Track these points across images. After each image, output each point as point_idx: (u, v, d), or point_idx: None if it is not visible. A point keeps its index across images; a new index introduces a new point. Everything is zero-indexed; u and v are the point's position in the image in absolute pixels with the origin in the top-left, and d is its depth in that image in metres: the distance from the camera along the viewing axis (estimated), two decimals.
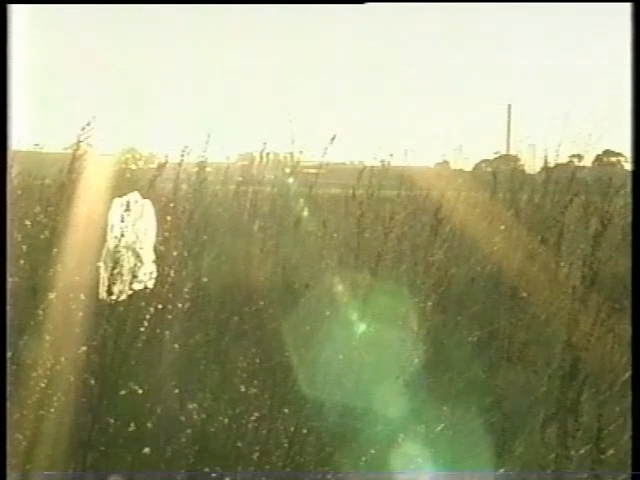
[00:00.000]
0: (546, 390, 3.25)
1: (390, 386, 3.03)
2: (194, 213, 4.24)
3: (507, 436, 3.00)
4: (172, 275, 2.99)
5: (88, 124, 3.65)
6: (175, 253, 3.06)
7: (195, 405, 2.80)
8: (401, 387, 3.05)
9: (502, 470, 2.90)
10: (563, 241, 4.31)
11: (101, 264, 2.78)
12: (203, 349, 3.33)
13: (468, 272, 4.50)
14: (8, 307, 2.55)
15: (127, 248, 2.79)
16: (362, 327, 3.17)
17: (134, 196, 2.85)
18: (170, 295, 2.97)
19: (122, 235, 2.78)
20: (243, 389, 2.87)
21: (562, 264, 4.25)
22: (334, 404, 2.91)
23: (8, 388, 2.47)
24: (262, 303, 3.79)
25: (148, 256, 2.85)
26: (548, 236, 4.37)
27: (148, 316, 2.83)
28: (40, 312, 2.68)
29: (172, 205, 3.20)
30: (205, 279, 3.70)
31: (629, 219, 3.52)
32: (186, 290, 3.13)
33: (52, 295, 2.69)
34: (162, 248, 2.94)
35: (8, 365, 2.52)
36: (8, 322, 2.52)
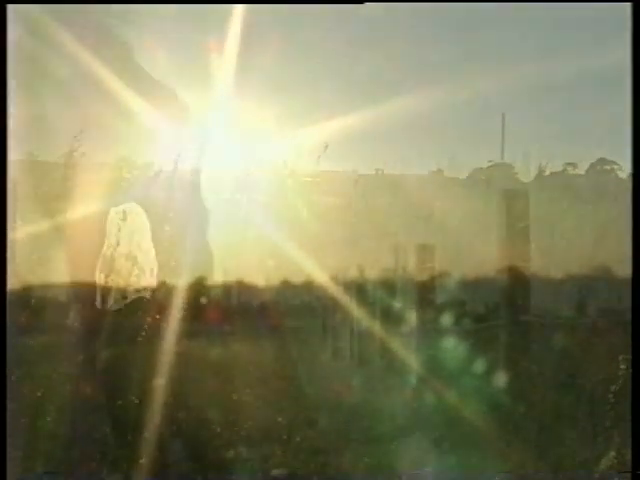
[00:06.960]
0: None
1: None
2: (188, 221, 4.21)
3: None
4: (168, 283, 2.99)
5: (81, 132, 3.65)
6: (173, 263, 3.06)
7: None
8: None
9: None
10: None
11: (97, 272, 2.78)
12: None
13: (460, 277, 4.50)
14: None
15: (123, 256, 2.79)
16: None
17: (130, 206, 2.85)
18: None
19: (118, 244, 2.77)
20: None
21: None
22: None
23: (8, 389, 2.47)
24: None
25: (145, 264, 2.85)
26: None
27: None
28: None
29: (167, 214, 3.20)
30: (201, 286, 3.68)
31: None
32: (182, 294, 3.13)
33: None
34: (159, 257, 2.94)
35: (8, 365, 2.51)
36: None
